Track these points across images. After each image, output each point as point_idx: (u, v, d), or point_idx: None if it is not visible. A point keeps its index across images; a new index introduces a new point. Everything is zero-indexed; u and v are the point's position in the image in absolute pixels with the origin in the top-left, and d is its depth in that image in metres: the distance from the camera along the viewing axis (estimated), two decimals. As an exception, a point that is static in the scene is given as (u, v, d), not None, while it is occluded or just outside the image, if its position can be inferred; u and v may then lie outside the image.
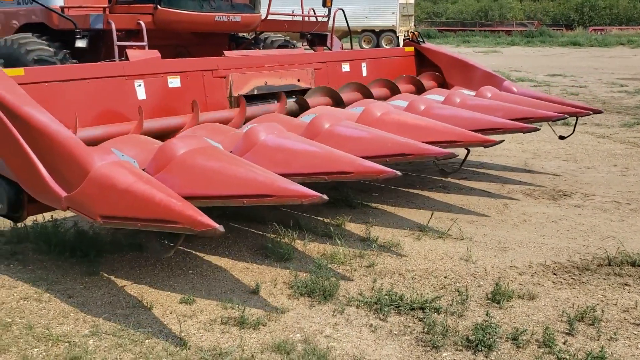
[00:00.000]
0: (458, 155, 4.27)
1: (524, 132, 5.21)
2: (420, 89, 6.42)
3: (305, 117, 4.77)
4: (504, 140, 4.95)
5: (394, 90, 6.12)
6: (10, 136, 3.35)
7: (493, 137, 4.70)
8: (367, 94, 5.75)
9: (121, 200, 2.99)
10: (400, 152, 4.12)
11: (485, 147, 4.82)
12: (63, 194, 3.21)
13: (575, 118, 5.98)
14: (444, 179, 6.02)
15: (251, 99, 5.03)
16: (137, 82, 4.35)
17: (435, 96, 5.92)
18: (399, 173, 3.64)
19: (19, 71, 3.80)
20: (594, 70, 18.38)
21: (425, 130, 4.58)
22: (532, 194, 5.48)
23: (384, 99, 5.88)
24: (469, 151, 4.92)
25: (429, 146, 4.19)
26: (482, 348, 2.94)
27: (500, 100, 5.81)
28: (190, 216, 2.80)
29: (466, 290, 3.52)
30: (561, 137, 6.29)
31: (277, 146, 3.83)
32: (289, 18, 8.28)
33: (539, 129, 5.24)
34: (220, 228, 2.75)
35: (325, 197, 3.13)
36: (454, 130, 4.62)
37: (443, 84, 6.73)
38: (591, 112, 5.86)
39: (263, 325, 3.17)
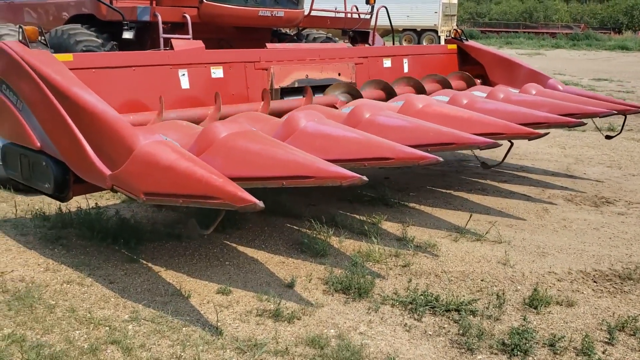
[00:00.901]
0: (501, 145, 4.21)
1: (569, 127, 5.09)
2: (462, 87, 6.35)
3: (346, 109, 4.77)
4: (549, 133, 4.84)
5: (442, 86, 6.09)
6: (58, 116, 3.47)
7: (538, 130, 4.59)
8: (419, 88, 5.73)
9: (163, 177, 3.05)
10: (442, 141, 4.05)
11: (529, 140, 4.74)
12: (108, 172, 3.30)
13: (623, 118, 5.85)
14: (483, 181, 5.95)
15: (293, 91, 5.06)
16: (181, 72, 4.42)
17: (478, 93, 5.85)
18: (440, 159, 3.58)
19: (68, 57, 3.91)
20: (641, 75, 17.89)
21: (467, 122, 4.50)
22: (574, 200, 5.37)
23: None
24: (512, 144, 4.83)
25: (472, 135, 4.11)
26: (518, 352, 2.90)
27: (545, 97, 5.71)
28: (231, 192, 2.84)
29: (503, 294, 3.48)
30: (608, 137, 6.15)
31: (317, 132, 3.83)
32: (332, 15, 8.27)
33: (585, 124, 5.11)
34: (260, 204, 2.77)
35: (364, 178, 3.11)
36: (497, 122, 4.54)
37: (486, 83, 6.64)
38: None
39: (298, 319, 3.20)
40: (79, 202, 4.86)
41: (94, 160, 3.36)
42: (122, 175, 3.21)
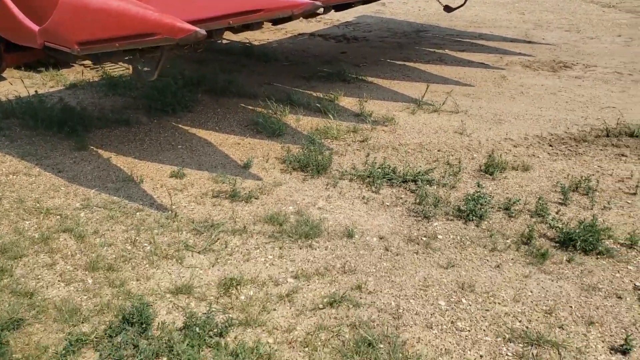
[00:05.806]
0: None
1: None
2: None
3: None
4: None
5: None
6: None
7: None
8: None
9: (96, 21, 2.86)
10: None
11: None
12: (36, 28, 3.12)
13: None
14: (440, 51, 5.82)
15: None
16: None
17: None
18: (317, 3, 3.31)
19: None
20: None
21: None
22: (532, 66, 5.31)
23: None
24: None
25: None
26: (474, 217, 2.94)
27: None
28: (168, 24, 2.67)
29: (459, 162, 3.48)
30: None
31: None
32: None
33: None
34: (202, 31, 2.62)
35: (318, 3, 2.96)
36: None
37: None
38: None
39: (255, 198, 3.16)
40: (18, 92, 4.59)
41: (21, 19, 3.18)
42: (52, 27, 3.00)
